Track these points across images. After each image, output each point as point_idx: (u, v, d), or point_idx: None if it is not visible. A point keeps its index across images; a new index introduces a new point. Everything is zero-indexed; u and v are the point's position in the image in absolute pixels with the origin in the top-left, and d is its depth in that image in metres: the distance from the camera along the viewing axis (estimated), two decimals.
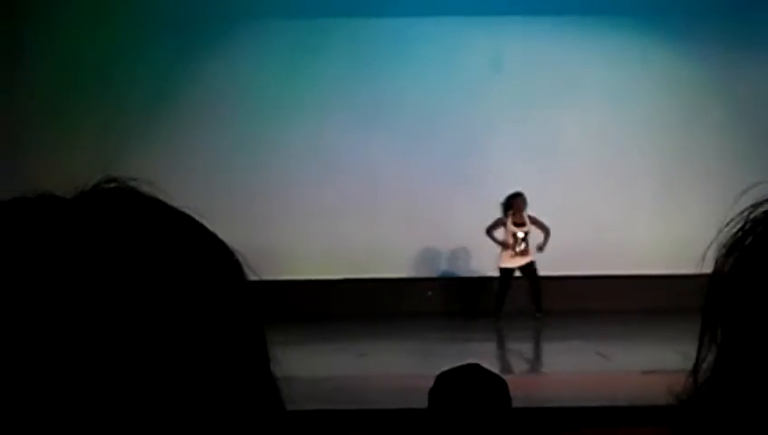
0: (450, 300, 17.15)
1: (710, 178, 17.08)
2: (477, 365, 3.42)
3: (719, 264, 1.02)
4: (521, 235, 15.94)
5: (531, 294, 15.98)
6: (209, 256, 0.92)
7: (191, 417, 0.86)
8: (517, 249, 15.94)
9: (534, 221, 16.01)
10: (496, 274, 16.42)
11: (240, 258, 0.95)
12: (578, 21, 17.56)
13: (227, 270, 0.93)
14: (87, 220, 0.89)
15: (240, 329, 0.91)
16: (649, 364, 10.63)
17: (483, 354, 12.06)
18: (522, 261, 15.95)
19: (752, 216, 1.01)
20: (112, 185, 0.93)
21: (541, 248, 15.98)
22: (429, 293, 17.15)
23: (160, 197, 0.94)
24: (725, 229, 1.02)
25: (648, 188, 17.46)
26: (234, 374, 0.89)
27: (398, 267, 17.11)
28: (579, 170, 17.30)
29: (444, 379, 3.34)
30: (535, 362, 12.98)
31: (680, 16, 17.44)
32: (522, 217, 15.99)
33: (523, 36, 17.64)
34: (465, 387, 3.27)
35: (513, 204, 15.97)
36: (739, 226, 1.02)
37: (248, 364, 0.91)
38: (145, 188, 0.93)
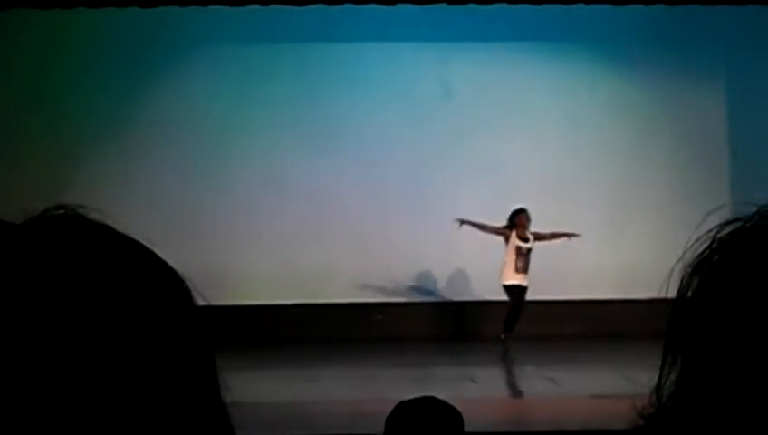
0: (399, 324, 17.12)
1: (659, 204, 17.24)
2: (434, 398, 3.45)
3: (684, 283, 1.03)
4: (524, 249, 15.75)
5: (507, 314, 15.77)
6: (158, 282, 0.92)
7: None
8: (519, 264, 15.72)
9: (540, 237, 15.87)
10: (445, 298, 16.42)
11: (190, 284, 0.94)
12: (527, 47, 17.65)
13: (177, 296, 0.92)
14: (35, 246, 0.89)
15: (190, 355, 0.91)
16: (597, 389, 10.68)
17: (432, 379, 12.07)
18: (524, 280, 15.75)
19: (719, 235, 1.02)
20: (61, 212, 0.93)
21: (572, 235, 15.91)
22: (379, 316, 17.13)
23: (109, 223, 0.93)
24: (691, 249, 1.02)
25: (596, 213, 17.53)
26: (184, 400, 0.89)
27: (347, 292, 17.07)
28: (528, 196, 17.33)
29: (401, 409, 3.37)
30: (487, 387, 12.97)
31: (628, 43, 17.58)
32: (525, 233, 15.84)
33: (472, 62, 17.71)
34: (422, 418, 3.31)
35: (517, 220, 15.84)
36: (705, 245, 1.02)
37: (198, 390, 0.90)
38: (93, 216, 0.93)
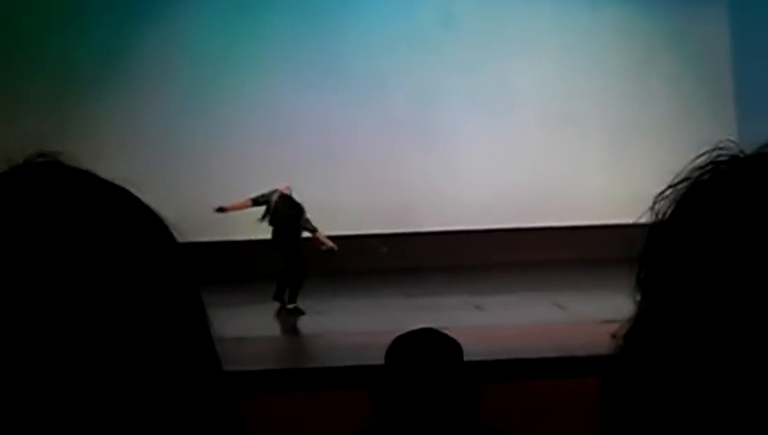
0: (405, 255, 17.14)
1: (662, 126, 17.19)
2: (432, 329, 3.48)
3: (656, 211, 1.03)
4: None
5: None
6: (138, 225, 0.94)
7: (126, 381, 0.87)
8: None
9: None
10: (451, 227, 16.41)
11: (171, 225, 0.97)
12: None
13: (157, 238, 0.94)
14: (17, 195, 0.90)
15: (173, 295, 0.92)
16: (608, 314, 10.69)
17: (438, 308, 12.11)
18: None
19: (696, 162, 1.02)
20: (41, 160, 0.95)
21: None
22: (384, 249, 17.14)
23: (88, 169, 0.96)
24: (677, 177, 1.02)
25: (600, 137, 17.52)
26: (171, 340, 0.91)
27: (352, 224, 17.08)
28: (531, 122, 17.33)
29: (399, 342, 3.39)
30: (492, 315, 13.01)
31: None
32: None
33: None
34: (420, 350, 3.33)
35: None
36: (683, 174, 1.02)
37: (184, 329, 0.92)
38: (71, 163, 0.96)
